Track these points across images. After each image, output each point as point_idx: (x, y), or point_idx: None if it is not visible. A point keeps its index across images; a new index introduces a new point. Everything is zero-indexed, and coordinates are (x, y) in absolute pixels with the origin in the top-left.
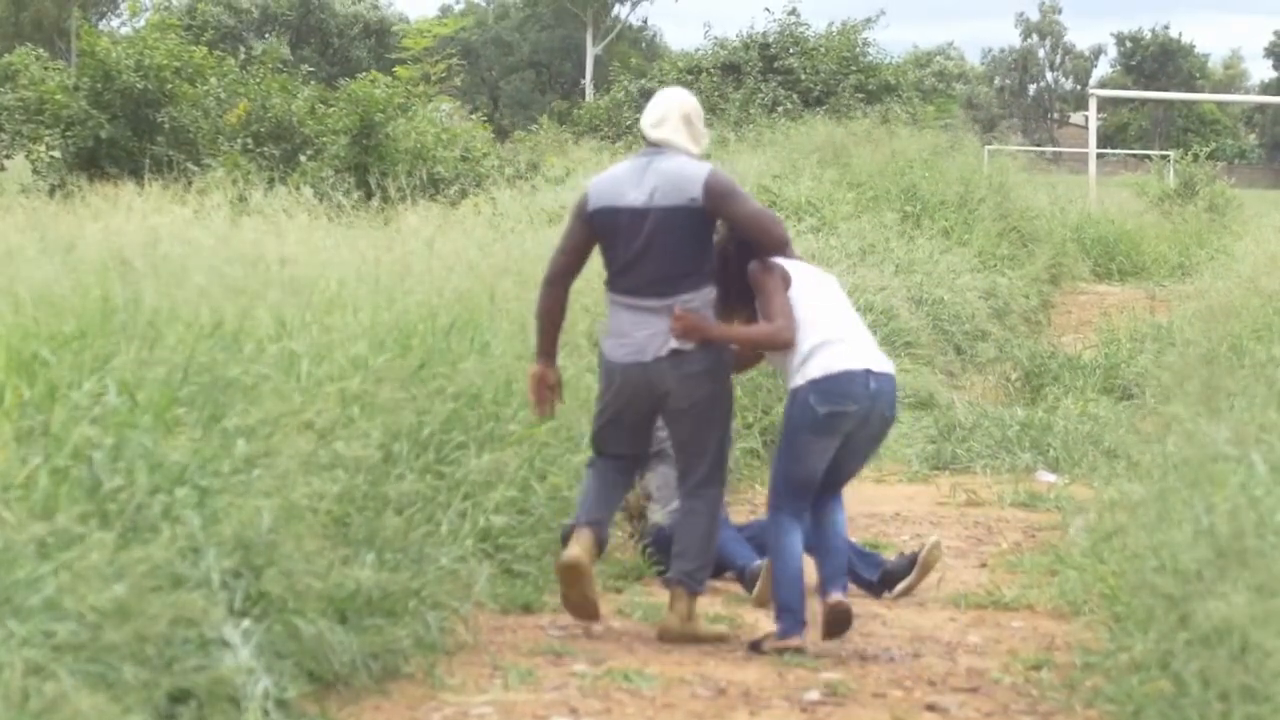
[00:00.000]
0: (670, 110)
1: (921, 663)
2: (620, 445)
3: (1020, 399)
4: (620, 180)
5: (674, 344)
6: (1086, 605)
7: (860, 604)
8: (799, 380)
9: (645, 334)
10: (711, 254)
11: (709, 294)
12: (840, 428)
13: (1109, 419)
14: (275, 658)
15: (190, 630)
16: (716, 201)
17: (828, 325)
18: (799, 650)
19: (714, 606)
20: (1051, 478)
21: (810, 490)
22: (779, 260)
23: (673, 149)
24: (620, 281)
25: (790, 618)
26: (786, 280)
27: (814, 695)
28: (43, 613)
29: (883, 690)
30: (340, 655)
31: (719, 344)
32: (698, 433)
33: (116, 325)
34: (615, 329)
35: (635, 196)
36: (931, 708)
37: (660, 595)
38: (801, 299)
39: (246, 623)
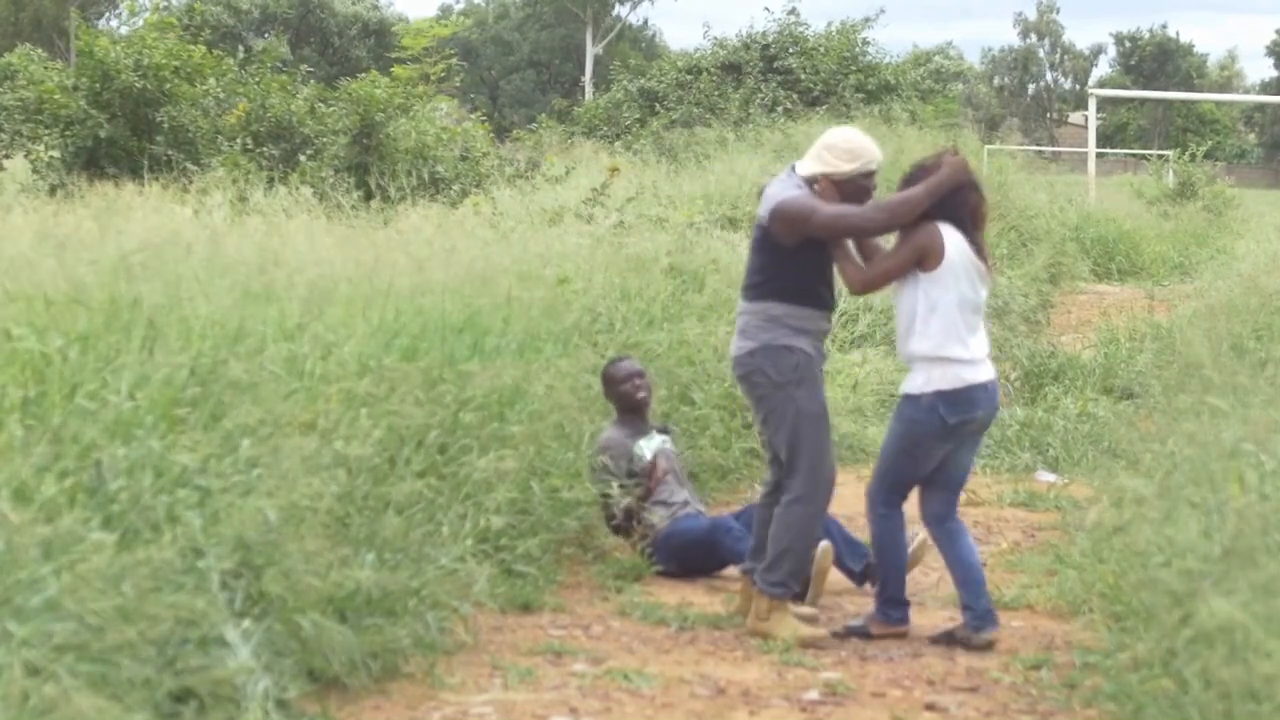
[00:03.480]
0: (819, 140)
1: (921, 662)
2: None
3: (1020, 399)
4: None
5: (732, 348)
6: (1086, 605)
7: (859, 603)
8: (925, 388)
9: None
10: (779, 274)
11: (765, 309)
12: (962, 433)
13: (1108, 419)
14: (275, 657)
15: (191, 630)
16: (779, 225)
17: (967, 338)
18: (900, 636)
19: (713, 605)
20: (1051, 477)
21: (913, 487)
22: (956, 240)
23: (792, 177)
24: None
25: (900, 608)
26: (929, 255)
27: (813, 694)
28: (44, 613)
29: (882, 689)
30: (340, 655)
31: (765, 351)
32: (769, 437)
33: (120, 325)
34: None
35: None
36: (931, 707)
37: (659, 595)
38: (954, 295)
39: (247, 622)
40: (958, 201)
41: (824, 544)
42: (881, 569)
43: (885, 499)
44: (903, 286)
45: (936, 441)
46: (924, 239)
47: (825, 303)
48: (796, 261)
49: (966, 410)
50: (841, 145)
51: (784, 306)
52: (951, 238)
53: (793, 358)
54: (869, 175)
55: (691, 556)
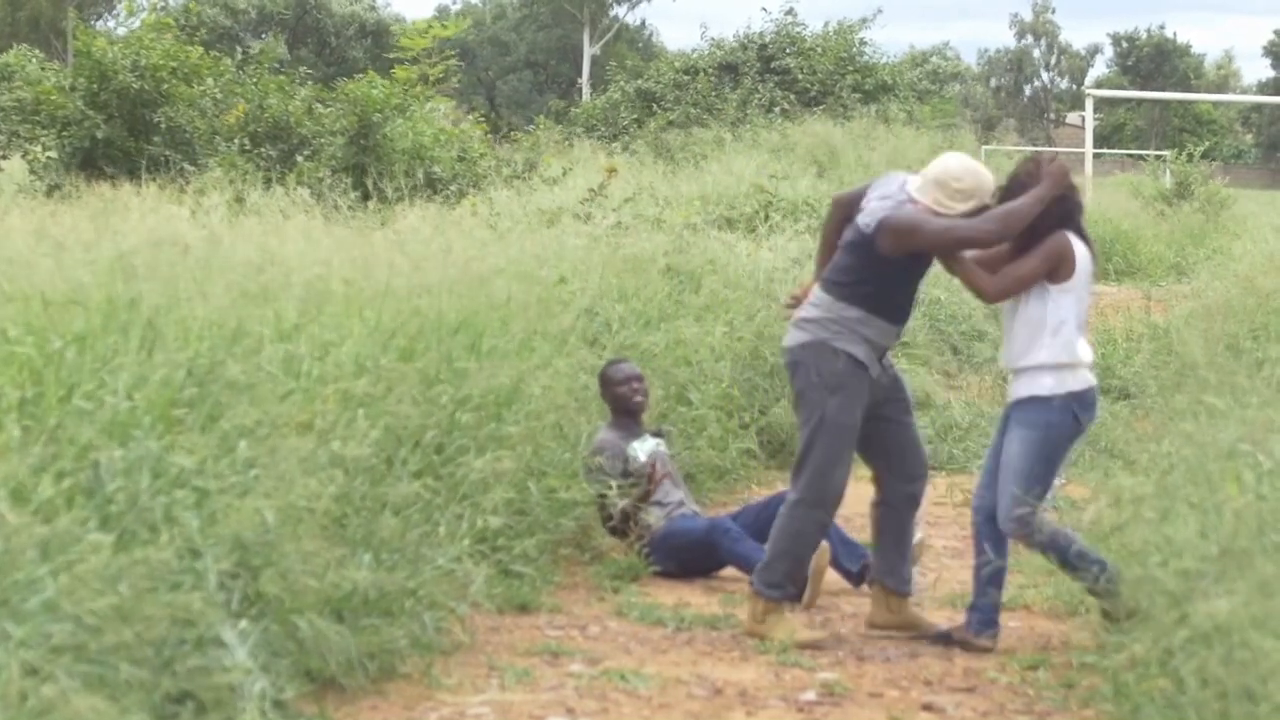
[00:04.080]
0: (929, 172)
1: (918, 662)
2: None
3: None
4: (878, 185)
5: (788, 335)
6: (1083, 605)
7: (856, 603)
8: (1058, 389)
9: None
10: (867, 279)
11: (839, 309)
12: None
13: (1105, 419)
14: (273, 657)
15: (188, 631)
16: (887, 238)
17: (1086, 342)
18: (986, 650)
19: (710, 606)
20: None
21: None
22: (1082, 250)
23: (903, 193)
24: None
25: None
26: (1062, 265)
27: (810, 695)
28: (41, 614)
29: (879, 690)
30: (337, 655)
31: (817, 348)
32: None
33: (118, 326)
34: None
35: (870, 198)
36: (928, 707)
37: (656, 596)
38: (1079, 304)
39: (244, 623)
40: (1069, 209)
41: (919, 534)
42: (1074, 573)
43: (1018, 504)
44: (1028, 297)
45: (1070, 442)
46: (1059, 249)
47: (902, 317)
48: (891, 271)
49: (1092, 410)
50: (956, 186)
51: (860, 312)
52: (1079, 248)
53: (839, 363)
54: (979, 210)
55: (690, 557)
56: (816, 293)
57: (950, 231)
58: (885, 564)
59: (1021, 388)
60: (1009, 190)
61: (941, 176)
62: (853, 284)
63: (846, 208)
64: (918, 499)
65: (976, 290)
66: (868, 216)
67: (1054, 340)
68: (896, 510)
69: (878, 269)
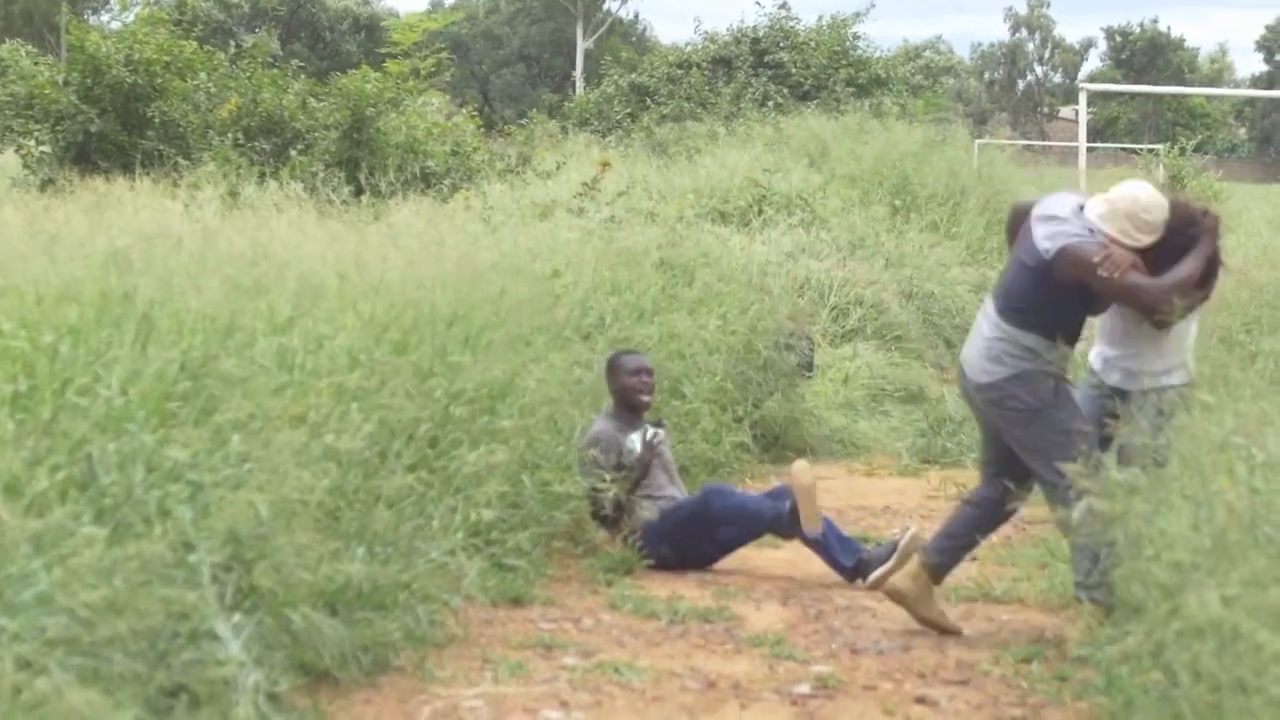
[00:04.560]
0: (1118, 203)
1: (912, 655)
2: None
3: None
4: (1050, 204)
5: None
6: (1076, 598)
7: (849, 597)
8: (1173, 380)
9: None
10: (1044, 307)
11: (1020, 338)
12: None
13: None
14: (266, 651)
15: (182, 624)
16: (1066, 266)
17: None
18: None
19: (704, 599)
20: None
21: None
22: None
23: (1082, 219)
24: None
25: None
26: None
27: (804, 688)
28: (35, 608)
29: (873, 683)
30: (331, 648)
31: (1021, 378)
32: (1022, 456)
33: (111, 320)
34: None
35: (1039, 216)
36: (921, 700)
37: (649, 588)
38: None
39: (237, 616)
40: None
41: (914, 528)
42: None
43: None
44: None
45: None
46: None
47: (1076, 338)
48: (1066, 298)
49: None
50: (1146, 218)
51: (1038, 340)
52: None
53: (1050, 383)
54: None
55: (684, 535)
56: (995, 319)
57: (1132, 291)
58: (942, 546)
59: (1163, 378)
60: (1174, 231)
61: (1132, 208)
62: (1030, 311)
63: (1022, 218)
64: (1001, 520)
65: (1152, 308)
66: (1047, 241)
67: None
68: (982, 516)
69: (1054, 295)
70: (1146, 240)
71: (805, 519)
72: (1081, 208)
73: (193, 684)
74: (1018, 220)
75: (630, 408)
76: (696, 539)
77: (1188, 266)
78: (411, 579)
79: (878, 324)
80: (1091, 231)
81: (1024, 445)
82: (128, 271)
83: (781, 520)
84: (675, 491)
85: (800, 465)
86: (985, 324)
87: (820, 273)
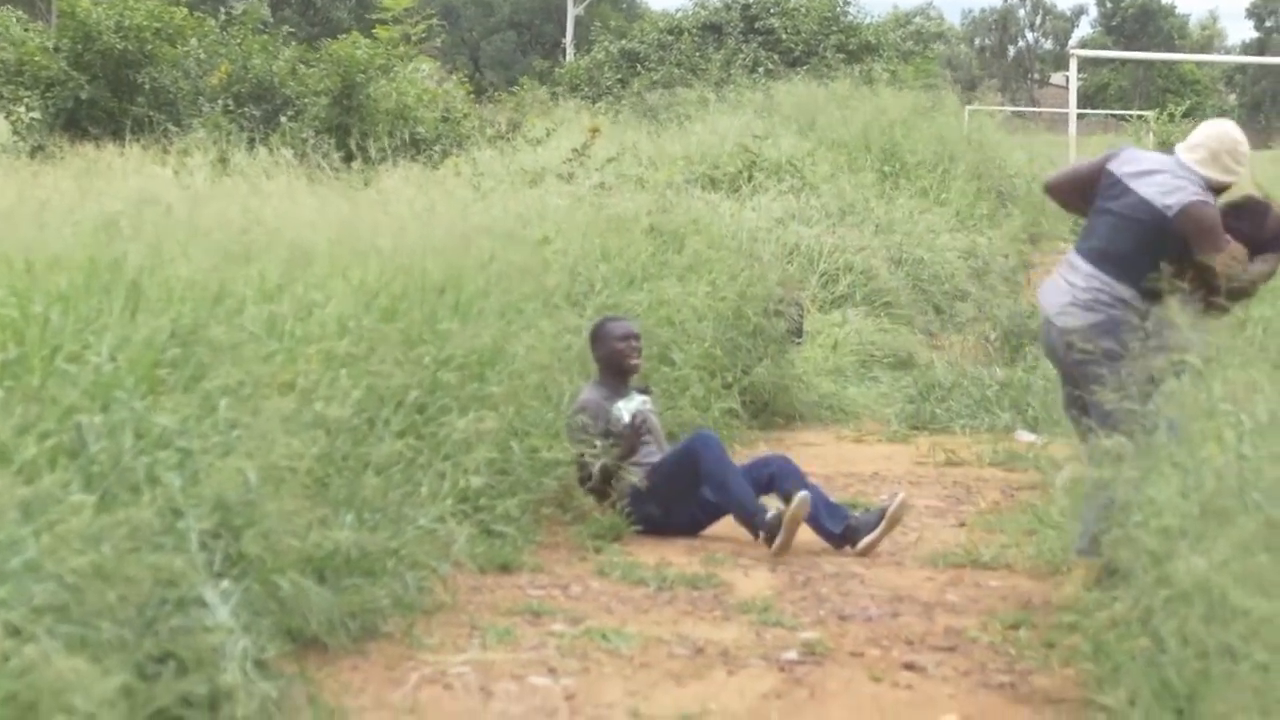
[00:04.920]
0: (1211, 144)
1: (899, 622)
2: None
3: (999, 359)
4: (1137, 159)
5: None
6: (1064, 564)
7: (837, 563)
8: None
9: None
10: (1147, 265)
11: (1118, 291)
12: None
13: None
14: (254, 617)
15: (170, 591)
16: (1186, 225)
17: None
18: None
19: (692, 565)
20: (1030, 437)
21: None
22: None
23: (1189, 171)
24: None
25: None
26: None
27: (792, 654)
28: (23, 574)
29: (860, 649)
30: (319, 615)
31: (1109, 326)
32: (1089, 401)
33: (101, 287)
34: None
35: (1135, 173)
36: (909, 666)
37: (638, 555)
38: None
39: (226, 583)
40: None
41: (901, 494)
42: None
43: None
44: None
45: None
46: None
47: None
48: (1165, 255)
49: None
50: (1241, 149)
51: (1131, 291)
52: None
53: (1136, 332)
54: None
55: (673, 485)
56: (1090, 268)
57: (1232, 252)
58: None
59: None
60: (1237, 215)
61: (1231, 146)
62: (1134, 267)
63: (1093, 178)
64: None
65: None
66: (1167, 198)
67: None
68: None
69: (1159, 253)
70: (1243, 171)
71: (779, 544)
72: (1183, 165)
73: (180, 651)
74: (1084, 180)
75: (618, 373)
76: (684, 493)
77: (1271, 263)
78: (400, 546)
79: (867, 290)
80: (1205, 190)
81: (1096, 388)
82: (117, 238)
83: (753, 525)
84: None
85: (803, 498)
86: (1074, 275)
87: (810, 239)
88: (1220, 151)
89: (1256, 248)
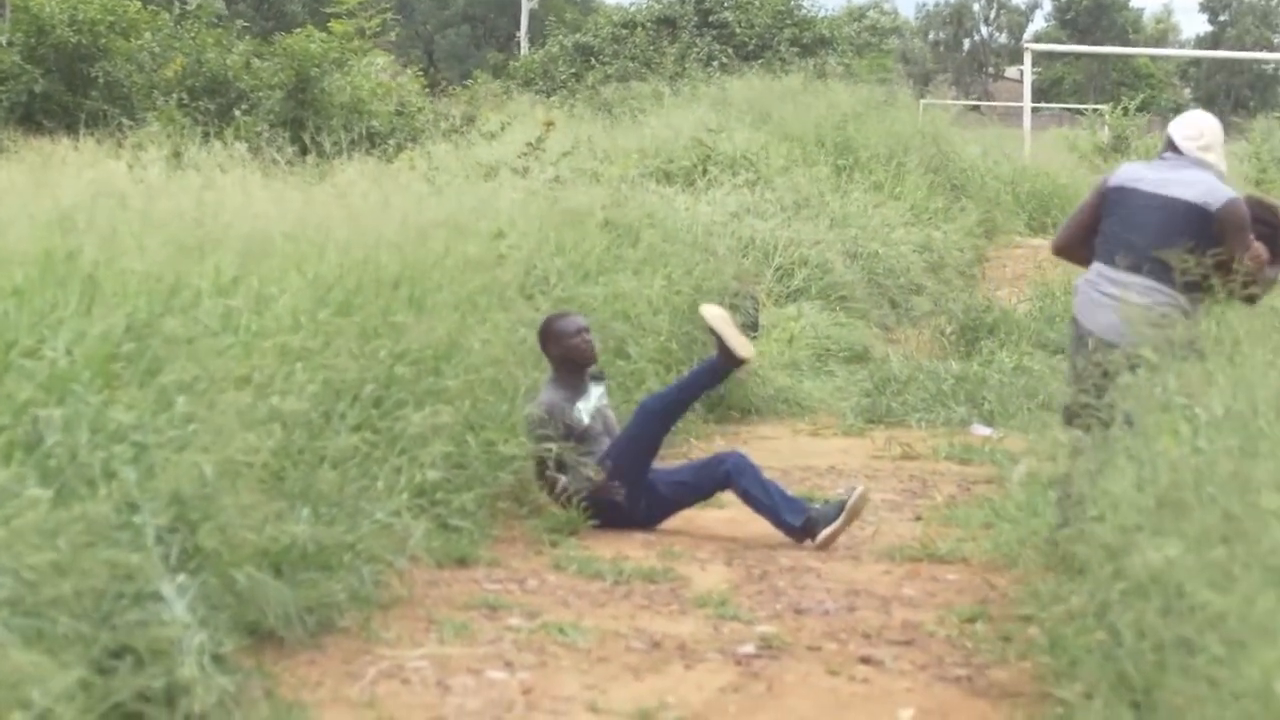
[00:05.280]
0: (1209, 138)
1: (856, 616)
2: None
3: (955, 352)
4: (1152, 167)
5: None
6: (1021, 558)
7: (794, 557)
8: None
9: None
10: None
11: (1180, 302)
12: None
13: (1043, 372)
14: (211, 611)
15: (127, 585)
16: (1226, 222)
17: None
18: None
19: (649, 559)
20: (986, 431)
21: None
22: None
23: (1208, 167)
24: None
25: None
26: None
27: (749, 648)
28: None
29: (817, 643)
30: (276, 609)
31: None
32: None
33: (55, 280)
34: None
35: (1156, 179)
36: (866, 660)
37: (595, 549)
38: None
39: (182, 577)
40: None
41: (861, 486)
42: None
43: None
44: None
45: None
46: None
47: None
48: (1202, 248)
49: None
50: (1222, 136)
51: (1184, 296)
52: None
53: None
54: None
55: (682, 497)
56: (1141, 280)
57: (1256, 250)
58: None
59: None
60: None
61: (1221, 135)
62: (1172, 268)
63: (1096, 205)
64: None
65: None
66: (1205, 197)
67: None
68: None
69: (1198, 246)
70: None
71: (734, 345)
72: (1205, 161)
73: (137, 645)
74: (1089, 219)
75: (576, 368)
76: (685, 503)
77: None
78: (356, 540)
79: (822, 284)
80: (1231, 187)
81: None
82: (72, 232)
83: (712, 364)
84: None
85: (706, 306)
86: (1130, 293)
87: (765, 233)
88: (1219, 144)
89: (1273, 249)
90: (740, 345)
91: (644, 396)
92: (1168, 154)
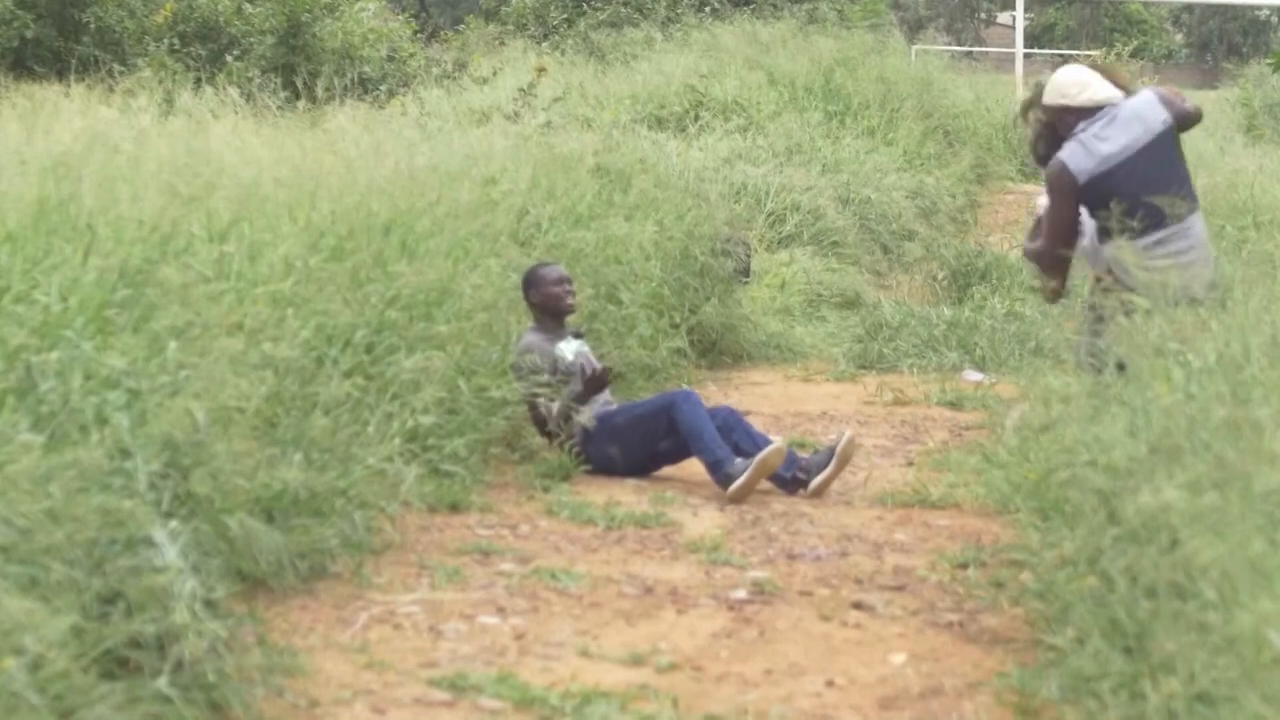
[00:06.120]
0: (1081, 78)
1: (848, 561)
2: None
3: (947, 298)
4: (1099, 149)
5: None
6: (1013, 504)
7: (786, 502)
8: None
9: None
10: None
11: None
12: None
13: (1035, 318)
14: (203, 557)
15: (119, 531)
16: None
17: None
18: None
19: (641, 505)
20: (978, 376)
21: None
22: None
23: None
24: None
25: None
26: None
27: (741, 594)
28: None
29: (809, 588)
30: (268, 555)
31: None
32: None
33: (48, 227)
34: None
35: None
36: (858, 605)
37: (586, 495)
38: None
39: (174, 523)
40: None
41: (849, 431)
42: None
43: None
44: None
45: None
46: None
47: None
48: None
49: None
50: None
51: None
52: None
53: None
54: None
55: (640, 430)
56: (1192, 221)
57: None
58: None
59: None
60: None
61: (1076, 76)
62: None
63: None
64: None
65: None
66: (1158, 112)
67: None
68: None
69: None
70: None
71: (742, 485)
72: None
73: (130, 591)
74: (1075, 213)
75: (555, 316)
76: (648, 440)
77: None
78: (348, 485)
79: (814, 230)
80: None
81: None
82: (66, 179)
83: (720, 475)
84: (607, 395)
85: (778, 448)
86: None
87: (757, 178)
88: (1089, 80)
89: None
90: (742, 489)
91: (687, 394)
92: (1091, 120)
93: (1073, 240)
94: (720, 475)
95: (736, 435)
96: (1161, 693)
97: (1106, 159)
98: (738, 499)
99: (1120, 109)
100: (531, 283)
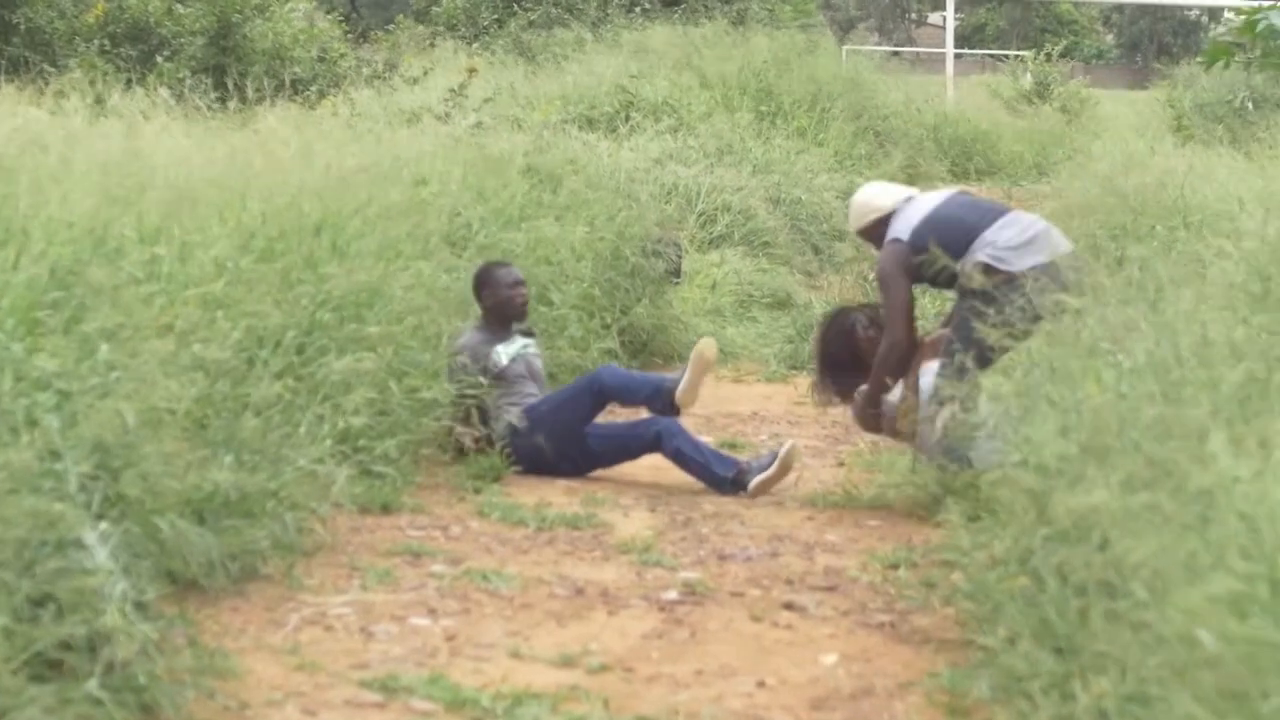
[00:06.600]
0: (868, 205)
1: (779, 561)
2: None
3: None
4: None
5: None
6: (944, 504)
7: (717, 503)
8: None
9: None
10: None
11: None
12: None
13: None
14: (134, 559)
15: (49, 533)
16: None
17: None
18: None
19: (572, 506)
20: None
21: None
22: None
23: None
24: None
25: None
26: None
27: (672, 594)
28: None
29: (741, 589)
30: (199, 556)
31: None
32: None
33: None
34: None
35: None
36: (789, 606)
37: (518, 495)
38: None
39: (105, 525)
40: None
41: (791, 441)
42: None
43: None
44: None
45: None
46: None
47: None
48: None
49: None
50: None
51: None
52: None
53: None
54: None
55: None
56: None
57: None
58: None
59: None
60: None
61: (867, 205)
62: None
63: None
64: None
65: None
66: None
67: None
68: None
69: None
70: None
71: (685, 385)
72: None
73: (60, 593)
74: (910, 267)
75: (505, 320)
76: (575, 423)
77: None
78: (279, 487)
79: (745, 230)
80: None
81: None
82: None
83: (662, 397)
84: (536, 390)
85: (708, 342)
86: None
87: (688, 179)
88: (871, 207)
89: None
90: (687, 390)
91: (608, 365)
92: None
93: (911, 320)
94: (663, 397)
95: (677, 442)
96: (1092, 692)
97: (922, 213)
98: (687, 402)
99: (915, 199)
100: (485, 283)
